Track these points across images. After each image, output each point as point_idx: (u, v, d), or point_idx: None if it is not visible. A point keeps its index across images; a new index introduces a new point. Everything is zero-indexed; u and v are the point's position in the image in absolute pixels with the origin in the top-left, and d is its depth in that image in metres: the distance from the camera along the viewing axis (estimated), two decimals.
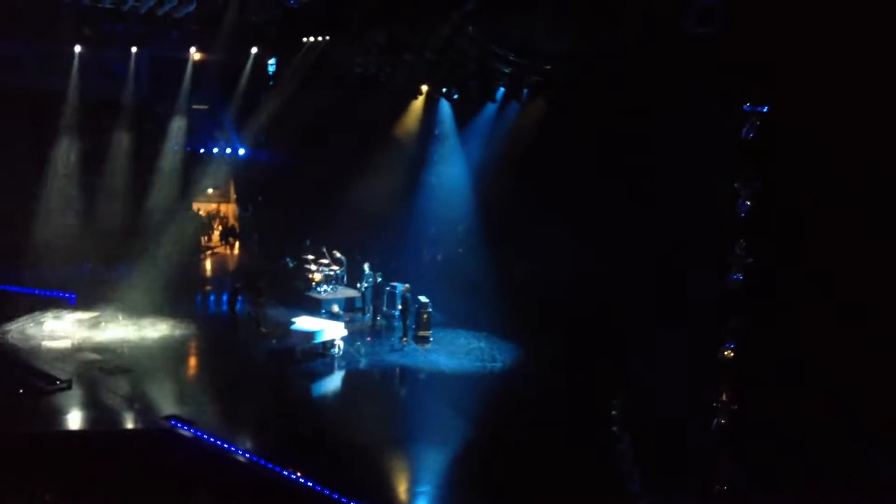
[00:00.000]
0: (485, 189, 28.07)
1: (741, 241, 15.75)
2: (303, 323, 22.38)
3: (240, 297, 25.95)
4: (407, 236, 29.63)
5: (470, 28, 21.31)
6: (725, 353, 15.58)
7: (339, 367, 21.82)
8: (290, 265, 29.40)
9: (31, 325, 23.57)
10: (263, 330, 24.09)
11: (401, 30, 22.81)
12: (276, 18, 24.84)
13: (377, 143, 30.55)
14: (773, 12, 14.70)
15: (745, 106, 15.85)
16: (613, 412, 17.58)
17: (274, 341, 23.27)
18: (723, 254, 15.79)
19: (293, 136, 31.07)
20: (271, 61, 30.02)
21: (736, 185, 16.01)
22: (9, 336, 22.45)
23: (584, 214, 22.59)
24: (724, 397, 15.39)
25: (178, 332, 23.81)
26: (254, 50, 28.16)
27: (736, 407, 15.22)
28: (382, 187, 29.88)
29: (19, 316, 24.02)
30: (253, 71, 29.89)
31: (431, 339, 23.93)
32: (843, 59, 13.64)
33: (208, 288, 26.89)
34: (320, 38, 26.10)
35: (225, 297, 25.85)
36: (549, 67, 23.51)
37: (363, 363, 22.28)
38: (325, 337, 22.08)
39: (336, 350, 22.30)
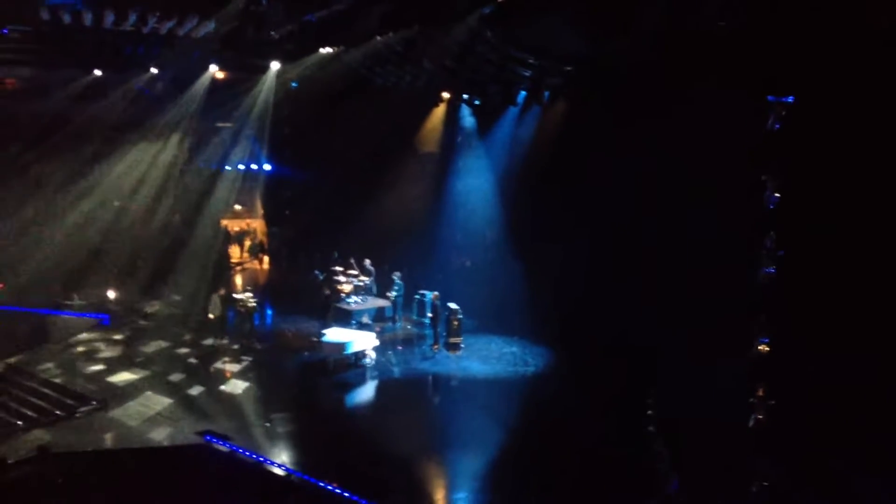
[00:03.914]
0: (510, 193, 27.98)
1: (771, 233, 15.57)
2: (333, 334, 22.40)
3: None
4: (435, 244, 29.63)
5: (488, 33, 21.24)
6: (760, 348, 15.38)
7: (372, 377, 21.80)
8: (320, 278, 29.50)
9: (68, 346, 23.90)
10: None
11: (419, 37, 22.78)
12: (295, 33, 24.93)
13: (401, 152, 30.64)
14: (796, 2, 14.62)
15: (769, 97, 15.71)
16: (649, 412, 17.40)
17: (306, 354, 23.37)
18: (752, 248, 15.63)
19: (317, 150, 31.22)
20: (294, 83, 30.18)
21: (764, 177, 15.86)
22: (46, 358, 22.78)
23: (609, 214, 22.44)
24: (760, 393, 15.21)
25: (209, 348, 24.01)
26: (274, 65, 28.30)
27: (773, 403, 15.03)
28: (408, 196, 29.94)
29: (55, 338, 24.38)
30: (275, 86, 30.06)
31: (463, 345, 23.84)
32: (868, 45, 13.48)
33: (238, 304, 27.11)
34: (338, 49, 26.10)
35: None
36: (569, 69, 23.41)
37: (395, 372, 22.25)
38: (356, 348, 22.08)
39: (368, 360, 22.31)
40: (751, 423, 15.14)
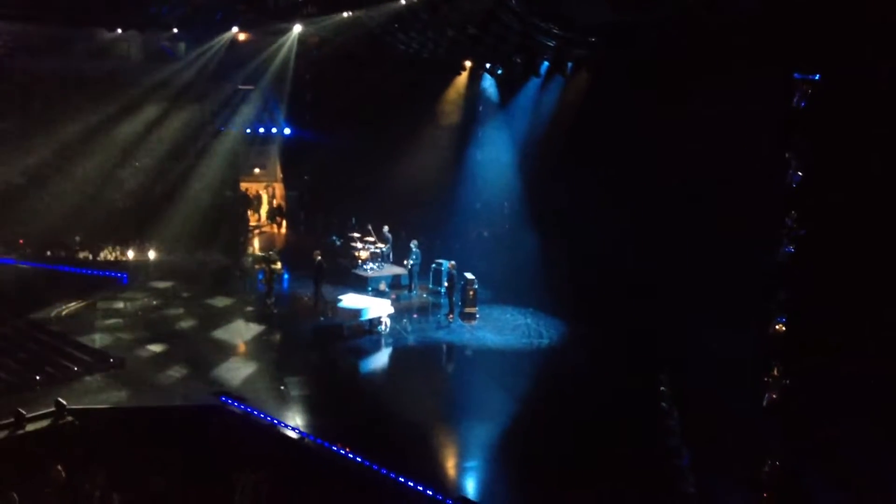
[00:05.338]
0: (530, 164, 27.87)
1: (792, 212, 15.45)
2: (350, 300, 22.49)
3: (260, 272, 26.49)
4: (453, 213, 29.59)
5: (512, 1, 21.02)
6: (776, 327, 15.32)
7: (386, 345, 21.90)
8: (337, 243, 29.56)
9: (86, 304, 24.15)
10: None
11: (442, 3, 22.56)
12: None
13: (422, 120, 30.53)
14: None
15: (795, 74, 15.50)
16: (661, 387, 17.42)
17: (321, 319, 23.51)
18: (771, 226, 15.52)
19: (338, 115, 31.13)
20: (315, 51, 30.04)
21: (787, 155, 15.70)
22: (65, 315, 23.04)
23: (630, 188, 22.35)
24: (774, 372, 15.18)
25: (227, 310, 24.18)
26: (296, 28, 28.17)
27: (787, 382, 15.00)
28: (428, 164, 29.86)
29: (72, 296, 24.59)
30: (297, 50, 29.95)
31: (478, 315, 23.89)
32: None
33: (256, 266, 27.31)
34: (361, 13, 25.87)
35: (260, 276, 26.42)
36: (593, 40, 23.14)
37: (410, 340, 22.31)
38: (371, 314, 22.17)
39: (383, 327, 22.38)
40: (764, 402, 15.12)
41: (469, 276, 24.06)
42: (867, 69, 13.80)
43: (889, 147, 13.52)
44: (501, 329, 23.06)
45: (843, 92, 14.53)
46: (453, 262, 24.57)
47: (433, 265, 27.03)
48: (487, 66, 29.26)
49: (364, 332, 22.16)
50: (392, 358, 21.41)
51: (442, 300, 25.61)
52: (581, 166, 24.29)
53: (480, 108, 30.85)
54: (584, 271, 23.43)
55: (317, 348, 21.60)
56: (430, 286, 27.14)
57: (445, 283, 25.04)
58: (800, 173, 15.35)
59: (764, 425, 15.25)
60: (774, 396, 15.01)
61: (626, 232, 22.31)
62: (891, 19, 13.01)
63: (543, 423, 16.69)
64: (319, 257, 24.92)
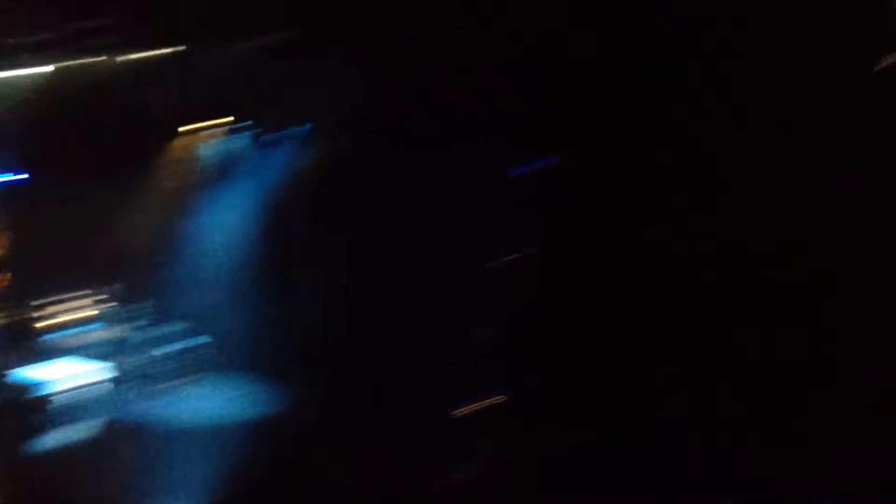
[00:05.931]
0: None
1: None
2: (32, 371, 20.50)
3: None
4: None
5: None
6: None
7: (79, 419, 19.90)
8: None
9: None
10: None
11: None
12: None
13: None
14: None
15: None
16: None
17: None
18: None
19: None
20: None
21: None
22: None
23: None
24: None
25: None
26: None
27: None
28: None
29: None
30: None
31: (195, 385, 22.40)
32: None
33: None
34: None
35: None
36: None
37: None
38: (63, 386, 20.24)
39: (75, 399, 20.40)
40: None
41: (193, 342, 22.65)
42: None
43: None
44: (219, 399, 21.48)
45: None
46: (181, 327, 23.08)
47: (159, 330, 25.21)
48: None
49: (52, 408, 20.02)
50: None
51: (163, 368, 23.60)
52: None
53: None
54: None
55: None
56: (154, 351, 25.29)
57: (168, 349, 23.31)
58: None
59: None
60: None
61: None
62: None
63: None
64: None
